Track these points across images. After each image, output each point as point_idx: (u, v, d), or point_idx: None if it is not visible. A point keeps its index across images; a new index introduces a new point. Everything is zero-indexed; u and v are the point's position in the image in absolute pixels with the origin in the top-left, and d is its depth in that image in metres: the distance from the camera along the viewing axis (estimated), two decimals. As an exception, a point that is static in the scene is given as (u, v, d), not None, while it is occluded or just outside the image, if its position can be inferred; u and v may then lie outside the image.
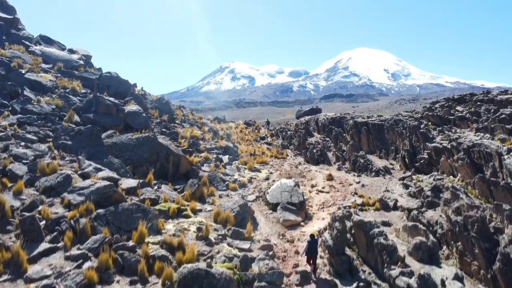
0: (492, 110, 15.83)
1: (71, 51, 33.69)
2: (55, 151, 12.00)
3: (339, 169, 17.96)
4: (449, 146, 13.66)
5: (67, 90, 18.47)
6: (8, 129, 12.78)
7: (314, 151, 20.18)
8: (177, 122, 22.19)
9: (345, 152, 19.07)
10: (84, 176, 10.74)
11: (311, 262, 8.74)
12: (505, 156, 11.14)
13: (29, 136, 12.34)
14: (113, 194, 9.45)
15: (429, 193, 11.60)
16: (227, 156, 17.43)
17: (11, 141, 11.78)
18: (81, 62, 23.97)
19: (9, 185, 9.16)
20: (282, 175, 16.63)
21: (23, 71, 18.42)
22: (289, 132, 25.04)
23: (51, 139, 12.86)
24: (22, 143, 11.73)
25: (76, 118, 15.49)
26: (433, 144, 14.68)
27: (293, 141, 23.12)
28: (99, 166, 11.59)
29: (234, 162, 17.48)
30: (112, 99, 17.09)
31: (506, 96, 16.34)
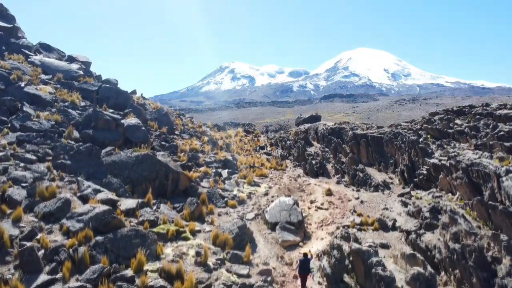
0: (491, 126, 15.83)
1: (71, 59, 33.77)
2: (54, 171, 12.02)
3: (338, 182, 17.98)
4: (447, 164, 13.67)
5: (66, 104, 18.47)
6: (7, 148, 12.80)
7: (314, 162, 20.20)
8: (176, 133, 22.20)
9: (344, 165, 19.09)
10: (83, 199, 10.78)
11: (303, 280, 8.98)
12: (503, 178, 11.15)
13: (28, 156, 12.34)
14: (112, 220, 9.46)
15: (427, 214, 11.62)
16: (226, 170, 17.44)
17: (10, 161, 11.80)
18: (81, 72, 23.97)
19: (8, 211, 9.18)
20: (281, 190, 16.65)
21: (23, 84, 18.42)
22: (288, 142, 25.04)
23: (50, 158, 12.89)
24: (22, 164, 11.74)
25: (76, 134, 15.49)
26: (432, 161, 14.69)
27: (292, 152, 23.14)
28: (98, 187, 11.63)
29: (233, 175, 17.49)
30: (111, 113, 17.10)
31: (505, 111, 16.34)
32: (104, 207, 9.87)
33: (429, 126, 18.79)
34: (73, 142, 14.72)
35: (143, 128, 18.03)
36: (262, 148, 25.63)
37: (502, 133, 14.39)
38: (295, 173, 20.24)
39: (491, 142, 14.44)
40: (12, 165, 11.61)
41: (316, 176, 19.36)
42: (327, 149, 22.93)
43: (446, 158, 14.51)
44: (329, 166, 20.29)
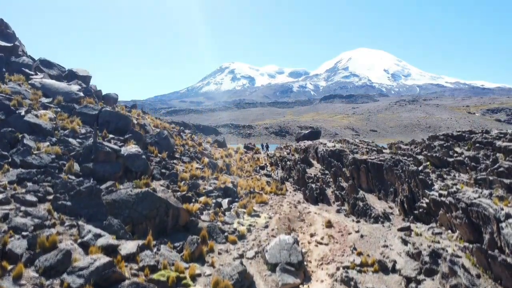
0: (491, 159, 15.85)
1: (71, 74, 33.85)
2: (55, 214, 12.05)
3: (338, 211, 18.00)
4: (447, 202, 13.70)
5: (66, 132, 18.50)
6: (8, 188, 12.84)
7: (314, 187, 20.23)
8: (176, 156, 22.22)
9: (344, 191, 19.11)
10: (84, 245, 10.82)
11: None
12: (503, 224, 11.18)
13: (28, 198, 12.37)
14: (112, 274, 9.49)
15: (427, 258, 11.65)
16: (226, 200, 17.47)
17: (10, 205, 11.85)
18: (81, 94, 23.98)
19: (9, 268, 9.21)
20: (281, 220, 16.68)
21: (23, 112, 18.44)
22: (288, 163, 25.05)
23: (51, 197, 12.94)
24: (22, 208, 11.77)
25: (76, 167, 15.52)
26: (432, 196, 14.72)
27: (292, 174, 23.17)
28: (98, 230, 11.65)
29: (233, 205, 17.54)
30: (111, 144, 17.13)
31: (504, 144, 16.36)
32: (105, 259, 9.88)
33: (429, 154, 18.81)
34: (73, 177, 14.77)
35: (143, 156, 18.04)
36: (262, 168, 25.66)
37: (501, 169, 14.41)
38: (295, 198, 20.26)
39: (490, 178, 14.47)
40: (13, 209, 11.65)
41: (316, 203, 19.38)
42: (327, 171, 22.96)
43: (446, 193, 14.53)
44: (329, 192, 20.31)
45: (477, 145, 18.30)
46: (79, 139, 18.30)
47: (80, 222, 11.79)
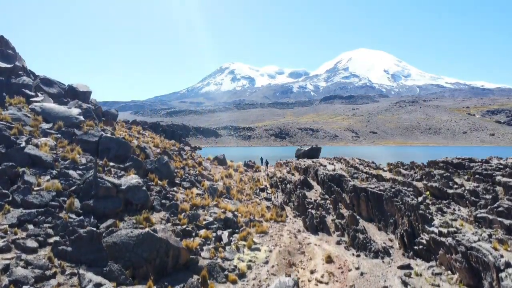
0: (491, 196, 15.88)
1: (71, 90, 33.97)
2: (55, 261, 12.07)
3: (338, 242, 18.03)
4: (447, 243, 13.73)
5: (66, 163, 18.52)
6: (8, 233, 12.87)
7: (313, 214, 20.27)
8: (177, 181, 22.26)
9: (344, 220, 19.15)
10: (85, 297, 10.86)
11: None
12: (503, 274, 11.22)
13: (29, 244, 12.40)
14: (113, 334, 9.54)
15: (427, 307, 11.66)
16: (227, 233, 17.50)
17: (11, 253, 11.88)
18: (81, 118, 24.00)
19: (10, 330, 9.26)
20: (282, 254, 16.73)
21: (23, 143, 18.46)
22: (288, 186, 25.08)
23: (52, 240, 12.97)
24: (23, 256, 11.79)
25: (77, 203, 15.56)
26: (432, 235, 14.75)
27: (292, 199, 23.20)
28: (99, 279, 11.68)
29: (233, 237, 17.58)
30: (112, 178, 17.16)
31: (504, 179, 16.40)
32: (106, 317, 9.93)
33: (429, 184, 18.85)
34: (74, 216, 14.81)
35: (144, 187, 18.09)
36: (262, 190, 25.69)
37: (501, 208, 14.45)
38: (295, 226, 20.30)
39: (490, 217, 14.51)
40: (14, 257, 11.67)
41: (316, 232, 19.42)
42: (326, 196, 22.99)
43: (446, 232, 14.57)
44: (329, 220, 20.34)
45: (477, 176, 18.34)
46: (80, 170, 18.31)
47: (81, 271, 11.81)
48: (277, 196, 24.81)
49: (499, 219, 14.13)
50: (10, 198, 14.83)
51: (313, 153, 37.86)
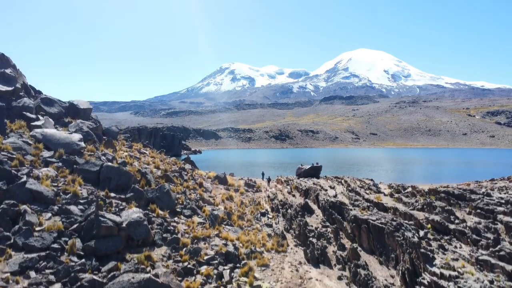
0: (493, 238, 15.88)
1: (72, 107, 34.08)
2: (58, 314, 12.11)
3: (339, 278, 18.04)
4: (449, 289, 13.74)
5: (68, 197, 18.52)
6: (10, 282, 12.88)
7: (315, 244, 20.27)
8: (178, 210, 22.26)
9: (345, 253, 19.16)
10: None
11: None
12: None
13: (31, 296, 12.42)
14: None
15: None
16: (228, 269, 17.51)
17: (13, 306, 11.91)
18: (82, 144, 23.99)
19: None
20: (283, 291, 16.75)
21: (24, 177, 18.44)
22: (289, 211, 25.09)
23: (53, 288, 13.00)
24: (25, 310, 11.82)
25: (78, 244, 15.54)
26: (433, 277, 14.75)
27: (293, 226, 23.21)
28: (101, 333, 11.72)
29: (234, 273, 17.58)
30: (113, 216, 17.16)
31: (506, 219, 16.40)
32: None
33: (430, 218, 18.86)
34: (76, 259, 14.80)
35: (145, 222, 18.09)
36: (263, 215, 25.68)
37: (503, 253, 14.45)
38: (296, 257, 20.30)
39: (492, 261, 14.51)
40: (16, 312, 11.70)
41: (317, 264, 19.42)
42: (327, 223, 23.00)
43: (447, 275, 14.58)
44: (330, 251, 20.34)
45: (478, 210, 18.35)
46: (81, 205, 18.32)
47: (83, 325, 11.83)
48: (278, 221, 24.81)
49: (501, 263, 14.13)
50: (12, 241, 14.83)
51: (314, 172, 38.00)
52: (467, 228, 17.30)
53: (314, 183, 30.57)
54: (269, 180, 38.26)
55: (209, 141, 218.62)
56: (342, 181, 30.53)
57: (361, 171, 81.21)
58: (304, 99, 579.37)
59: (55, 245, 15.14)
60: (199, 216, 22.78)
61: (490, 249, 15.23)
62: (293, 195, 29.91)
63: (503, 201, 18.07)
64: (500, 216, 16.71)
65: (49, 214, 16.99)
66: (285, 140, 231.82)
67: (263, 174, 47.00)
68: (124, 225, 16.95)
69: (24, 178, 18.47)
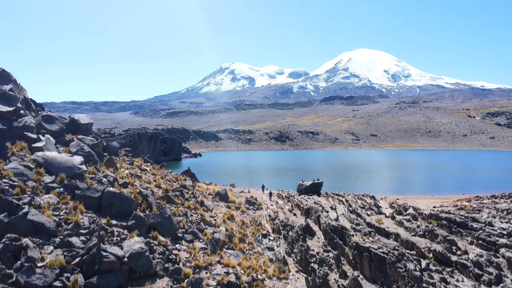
0: (494, 274, 15.88)
1: (73, 123, 34.18)
2: None
3: (341, 309, 18.03)
4: (451, 330, 13.74)
5: (69, 227, 18.51)
6: (13, 327, 12.89)
7: (316, 271, 20.27)
8: (179, 235, 22.26)
9: (347, 283, 19.16)
10: None
11: None
12: None
13: None
14: None
15: None
16: (230, 302, 17.52)
17: None
18: (83, 168, 23.99)
19: None
20: (285, 325, 16.75)
21: (26, 207, 18.42)
22: (290, 233, 25.08)
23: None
24: None
25: (80, 280, 15.52)
26: (436, 316, 14.75)
27: (294, 250, 23.21)
28: None
29: (237, 305, 17.58)
30: (115, 249, 17.16)
31: (508, 254, 16.39)
32: None
33: (432, 248, 18.86)
34: (78, 298, 14.81)
35: (147, 253, 18.09)
36: (264, 236, 25.67)
37: (505, 291, 14.45)
38: (298, 285, 20.30)
39: (494, 300, 14.51)
40: None
41: (319, 293, 19.41)
42: (329, 248, 22.99)
43: (449, 313, 14.58)
44: (332, 278, 20.32)
45: (480, 242, 18.35)
46: (83, 235, 18.30)
47: None
48: (279, 244, 24.80)
49: (503, 303, 14.14)
50: (14, 279, 14.81)
51: (315, 188, 38.05)
52: (469, 261, 17.30)
53: (315, 202, 30.56)
54: (270, 194, 38.42)
55: (209, 142, 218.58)
56: (343, 199, 30.55)
57: (360, 179, 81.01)
58: (304, 99, 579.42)
59: (57, 283, 15.12)
60: (201, 240, 22.78)
61: (493, 286, 15.23)
62: (294, 214, 29.90)
63: (505, 233, 18.07)
64: (502, 250, 16.71)
65: (51, 247, 16.97)
66: (285, 141, 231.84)
67: (263, 187, 47.09)
68: (126, 258, 16.94)
69: (26, 208, 18.44)
